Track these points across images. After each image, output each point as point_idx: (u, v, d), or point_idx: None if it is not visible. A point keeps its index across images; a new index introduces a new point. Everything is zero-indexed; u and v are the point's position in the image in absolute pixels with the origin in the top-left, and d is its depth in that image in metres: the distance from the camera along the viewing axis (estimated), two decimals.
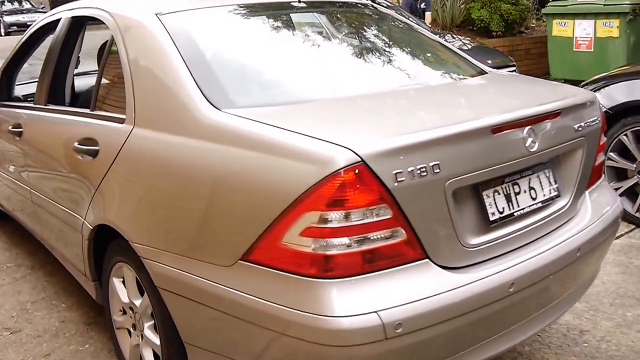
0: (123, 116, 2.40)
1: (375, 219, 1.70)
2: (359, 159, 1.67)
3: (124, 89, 2.43)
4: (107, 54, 2.74)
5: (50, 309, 3.41)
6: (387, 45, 2.88)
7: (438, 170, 1.77)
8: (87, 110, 2.73)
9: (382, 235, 1.72)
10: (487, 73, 2.77)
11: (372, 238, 1.70)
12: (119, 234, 2.37)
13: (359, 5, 3.18)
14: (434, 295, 1.75)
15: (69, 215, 2.84)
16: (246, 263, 1.82)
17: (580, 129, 2.26)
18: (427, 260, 1.80)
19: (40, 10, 19.29)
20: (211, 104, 2.06)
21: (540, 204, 2.13)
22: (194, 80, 2.14)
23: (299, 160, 1.72)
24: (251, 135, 1.88)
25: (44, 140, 3.19)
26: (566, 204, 2.25)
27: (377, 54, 2.76)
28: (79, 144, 2.61)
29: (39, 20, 3.65)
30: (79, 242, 2.75)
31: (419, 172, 1.74)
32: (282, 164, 1.74)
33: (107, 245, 2.59)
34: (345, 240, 1.68)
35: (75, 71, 3.28)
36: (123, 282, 2.55)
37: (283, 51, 2.59)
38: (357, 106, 2.18)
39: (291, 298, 1.72)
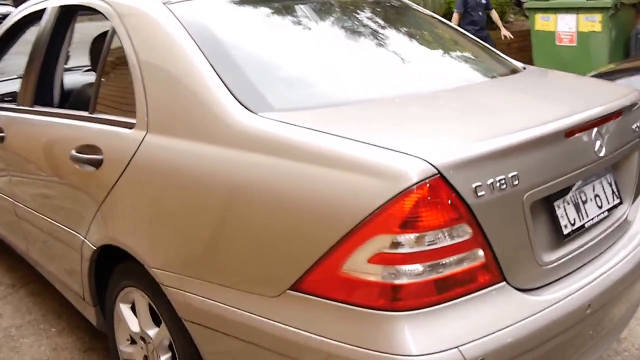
0: (132, 120, 2.11)
1: (454, 240, 1.48)
2: (436, 171, 1.44)
3: (131, 88, 2.15)
4: (107, 48, 2.43)
5: (39, 335, 3.10)
6: (422, 41, 2.64)
7: (517, 182, 1.57)
8: (85, 113, 2.43)
9: (460, 259, 1.50)
10: (524, 69, 2.57)
11: (448, 262, 1.48)
12: (127, 256, 2.09)
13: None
14: (515, 323, 1.54)
15: (65, 232, 2.54)
16: (297, 293, 1.58)
17: (637, 129, 2.09)
18: (504, 283, 1.58)
19: (3, 2, 18.29)
20: (245, 106, 1.80)
21: (606, 213, 1.94)
22: (220, 79, 1.87)
23: (365, 174, 1.48)
24: (303, 145, 1.63)
25: (31, 147, 2.86)
26: (626, 211, 2.07)
27: (415, 50, 2.53)
28: (77, 152, 2.32)
29: (19, 10, 3.31)
30: (77, 262, 2.46)
31: (498, 184, 1.53)
32: (343, 178, 1.50)
33: (110, 266, 2.31)
34: (418, 266, 1.46)
35: (65, 67, 2.97)
36: (132, 308, 2.28)
37: (315, 46, 2.33)
38: (410, 108, 1.95)
39: (354, 334, 1.48)
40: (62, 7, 2.81)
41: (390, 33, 2.59)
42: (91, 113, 2.41)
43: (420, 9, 2.94)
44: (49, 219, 2.70)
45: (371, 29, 2.51)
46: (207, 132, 1.83)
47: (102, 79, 2.49)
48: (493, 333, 1.49)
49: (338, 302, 1.50)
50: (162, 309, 2.02)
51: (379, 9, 2.77)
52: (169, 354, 2.10)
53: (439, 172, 1.44)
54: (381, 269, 1.45)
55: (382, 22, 2.64)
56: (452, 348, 1.43)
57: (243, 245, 1.70)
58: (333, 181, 1.51)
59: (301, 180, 1.57)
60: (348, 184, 1.49)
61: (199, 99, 1.88)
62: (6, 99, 3.50)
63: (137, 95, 2.11)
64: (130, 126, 2.12)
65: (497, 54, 2.68)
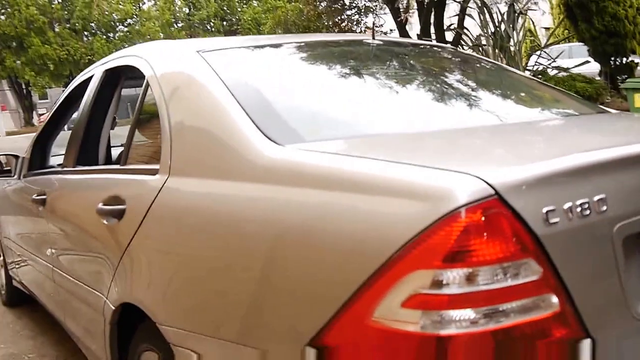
0: (156, 167, 1.89)
1: (516, 280, 1.10)
2: (492, 191, 1.10)
3: (159, 137, 1.94)
4: (140, 102, 2.27)
5: None
6: (478, 84, 2.34)
7: (604, 208, 1.19)
8: (115, 167, 2.25)
9: (525, 306, 1.11)
10: (604, 112, 2.21)
11: (509, 310, 1.10)
12: (146, 315, 1.81)
13: (438, 47, 2.69)
14: None
15: (90, 293, 2.30)
16: (315, 350, 1.23)
17: None
18: (588, 340, 1.17)
19: None
20: (269, 138, 1.54)
21: None
22: (245, 112, 1.63)
23: (400, 196, 1.16)
24: (323, 170, 1.35)
25: (66, 206, 2.69)
26: None
27: (467, 91, 2.23)
28: (103, 205, 2.11)
29: (73, 82, 3.26)
30: (101, 326, 2.20)
31: (579, 210, 1.15)
32: (372, 204, 1.19)
33: (133, 331, 2.03)
34: (470, 313, 1.09)
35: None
36: None
37: (351, 86, 2.07)
38: (464, 139, 1.63)
39: None
40: (107, 70, 2.71)
41: (435, 75, 2.32)
42: (122, 166, 2.22)
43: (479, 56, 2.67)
44: (78, 281, 2.48)
45: (415, 72, 2.24)
46: (229, 168, 1.57)
47: (134, 132, 2.31)
48: None
49: None
50: None
51: (423, 53, 2.52)
52: None
53: (496, 192, 1.10)
54: (420, 315, 1.09)
55: (424, 64, 2.37)
56: None
57: (256, 293, 1.38)
58: (362, 208, 1.20)
59: (324, 210, 1.27)
60: (379, 211, 1.17)
61: (222, 132, 1.65)
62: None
63: (162, 140, 1.90)
64: (153, 172, 1.89)
65: (578, 97, 2.33)
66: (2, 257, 4.46)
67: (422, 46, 2.64)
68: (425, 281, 1.08)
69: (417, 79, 2.24)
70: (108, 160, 2.81)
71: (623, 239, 1.22)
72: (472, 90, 2.25)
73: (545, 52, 7.78)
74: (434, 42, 2.63)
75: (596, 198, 1.18)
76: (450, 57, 2.63)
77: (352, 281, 1.16)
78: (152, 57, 2.23)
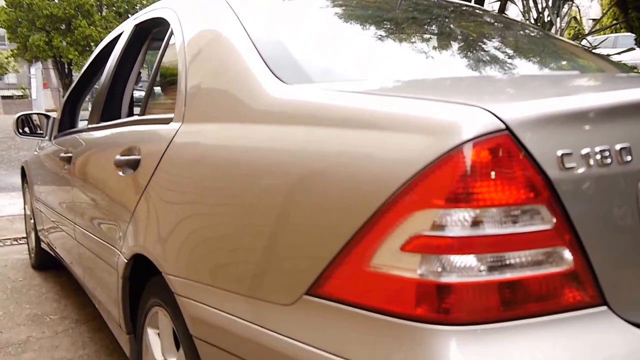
0: (171, 115, 1.85)
1: (525, 228, 1.01)
2: (503, 126, 1.00)
3: (176, 84, 1.90)
4: (162, 52, 2.23)
5: None
6: (514, 42, 2.23)
7: (629, 158, 1.07)
8: (134, 118, 2.22)
9: (535, 258, 1.02)
10: None
11: (517, 261, 1.02)
12: (156, 269, 1.77)
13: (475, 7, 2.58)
14: None
15: (106, 248, 2.28)
16: (314, 299, 1.17)
17: None
18: (604, 307, 1.07)
19: None
20: (279, 78, 1.47)
21: None
22: (258, 54, 1.56)
23: (402, 131, 1.07)
24: (324, 106, 1.28)
25: (88, 162, 2.67)
26: None
27: (495, 45, 2.13)
28: (120, 156, 2.08)
29: (104, 39, 3.24)
30: (115, 282, 2.18)
31: (599, 157, 1.05)
32: (375, 140, 1.10)
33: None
34: (473, 260, 1.01)
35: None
36: (159, 334, 1.94)
37: (373, 35, 1.98)
38: (473, 82, 1.54)
39: (383, 354, 1.04)
40: (136, 26, 2.66)
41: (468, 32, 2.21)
42: (140, 117, 2.19)
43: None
44: (95, 237, 2.47)
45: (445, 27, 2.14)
46: (239, 110, 1.51)
47: (154, 83, 2.28)
48: None
49: (364, 309, 1.08)
50: (180, 330, 1.67)
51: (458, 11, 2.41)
52: None
53: (508, 127, 1.00)
54: (419, 260, 1.01)
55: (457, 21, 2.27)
56: None
57: (256, 236, 1.32)
58: (364, 145, 1.12)
59: (324, 149, 1.19)
60: (381, 148, 1.08)
61: (234, 74, 1.58)
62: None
63: (179, 89, 1.85)
64: (167, 121, 1.85)
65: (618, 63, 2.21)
66: (32, 221, 4.50)
67: (449, 3, 2.52)
68: (427, 222, 1.00)
69: (440, 30, 2.14)
70: (131, 115, 2.79)
71: None
72: (501, 45, 2.15)
73: (587, 40, 7.49)
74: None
75: (619, 147, 1.06)
76: (477, 15, 2.51)
77: (350, 225, 1.09)
78: (180, 6, 2.17)
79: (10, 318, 3.55)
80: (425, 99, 1.12)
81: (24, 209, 4.97)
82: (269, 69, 1.50)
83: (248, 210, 1.35)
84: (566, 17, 8.36)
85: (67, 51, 29.69)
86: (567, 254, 1.04)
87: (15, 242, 5.62)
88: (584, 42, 6.96)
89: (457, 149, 0.99)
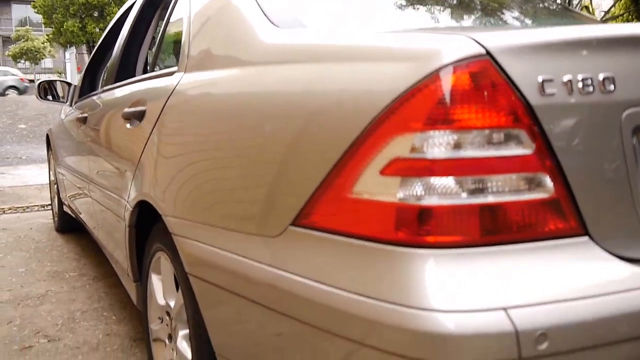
0: (175, 68, 1.82)
1: (504, 151, 0.97)
2: (484, 52, 0.96)
3: (181, 41, 1.86)
4: (170, 11, 2.19)
5: (99, 320, 2.83)
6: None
7: (612, 88, 1.02)
8: (143, 75, 2.19)
9: (515, 183, 0.98)
10: None
11: (497, 185, 0.97)
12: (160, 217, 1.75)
13: None
14: (605, 295, 0.97)
15: (114, 200, 2.26)
16: (299, 229, 1.13)
17: None
18: (586, 238, 1.03)
19: None
20: (272, 23, 1.43)
21: None
22: (256, 1, 1.52)
23: (386, 60, 1.03)
24: (318, 47, 1.23)
25: (100, 119, 2.66)
26: None
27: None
28: (127, 109, 2.05)
29: (123, 6, 3.21)
30: (123, 231, 2.16)
31: (581, 84, 1.00)
32: (354, 72, 1.06)
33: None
34: (453, 183, 0.96)
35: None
36: (162, 279, 1.91)
37: None
38: (469, 21, 1.49)
39: (365, 279, 1.00)
40: None
41: None
42: (148, 73, 2.16)
43: None
44: (105, 190, 2.46)
45: None
46: (235, 55, 1.48)
47: (162, 40, 2.24)
48: (565, 301, 0.95)
49: (348, 236, 1.04)
50: (179, 271, 1.64)
51: None
52: (187, 330, 1.70)
53: (488, 52, 0.95)
54: (399, 184, 0.97)
55: None
56: (498, 309, 0.91)
57: (244, 171, 1.29)
58: (348, 76, 1.08)
59: (308, 84, 1.16)
60: (358, 80, 1.05)
61: (233, 22, 1.54)
62: None
63: (183, 41, 1.82)
64: (171, 73, 1.82)
65: None
66: (56, 186, 4.52)
67: None
68: (406, 146, 0.96)
69: None
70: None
71: (633, 128, 1.05)
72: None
73: None
74: None
75: (602, 76, 1.01)
76: None
77: (333, 154, 1.05)
78: None
79: (31, 274, 3.57)
80: (409, 31, 1.08)
81: (49, 175, 5.00)
82: (264, 14, 1.45)
83: (238, 148, 1.32)
84: (577, 7, 8.19)
85: (100, 37, 29.87)
86: (548, 181, 0.99)
87: (42, 209, 5.68)
88: None
89: (436, 72, 0.94)
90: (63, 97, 3.94)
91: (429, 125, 0.95)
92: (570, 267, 0.99)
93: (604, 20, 7.40)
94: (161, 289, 1.90)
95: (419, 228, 0.96)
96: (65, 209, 4.18)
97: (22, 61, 40.85)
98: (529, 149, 0.97)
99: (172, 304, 1.78)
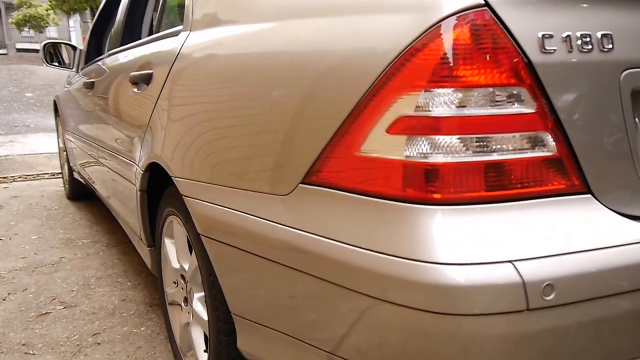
0: (180, 27, 1.83)
1: (506, 110, 0.98)
2: (482, 2, 0.97)
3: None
4: None
5: (114, 287, 2.89)
6: None
7: (610, 47, 1.03)
8: (148, 38, 2.20)
9: (518, 142, 1.00)
10: None
11: (501, 143, 0.99)
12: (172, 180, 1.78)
13: None
14: (608, 247, 1.00)
15: (125, 164, 2.30)
16: (309, 187, 1.16)
17: None
18: (588, 195, 1.05)
19: None
20: None
21: None
22: None
23: (385, 11, 1.04)
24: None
25: (108, 83, 2.67)
26: None
27: None
28: (134, 72, 2.07)
29: None
30: (134, 196, 2.20)
31: (580, 42, 1.01)
32: (359, 24, 1.07)
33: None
34: (457, 141, 0.98)
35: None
36: (175, 243, 1.96)
37: None
38: None
39: (374, 234, 1.03)
40: None
41: None
42: (154, 34, 2.17)
43: None
44: (115, 155, 2.49)
45: None
46: (237, 12, 1.48)
47: (166, 2, 2.25)
48: (571, 254, 0.98)
49: (357, 193, 1.07)
50: (192, 234, 1.68)
51: None
52: (202, 293, 1.75)
53: (488, 3, 0.96)
54: (405, 141, 0.99)
55: None
56: (504, 261, 0.94)
57: (255, 132, 1.30)
58: (345, 36, 1.09)
59: (312, 41, 1.16)
60: (360, 35, 1.05)
61: None
62: None
63: (187, 1, 1.82)
64: (177, 33, 1.83)
65: None
66: (65, 153, 4.56)
67: None
68: (410, 104, 0.98)
69: None
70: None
71: (632, 90, 1.07)
72: None
73: None
74: None
75: (600, 34, 1.03)
76: None
77: (340, 113, 1.07)
78: None
79: (44, 242, 3.64)
80: None
81: (58, 142, 5.05)
82: None
83: (247, 107, 1.33)
84: None
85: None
86: (550, 140, 1.02)
87: (52, 177, 5.75)
88: None
89: (437, 26, 0.95)
90: (69, 63, 3.95)
91: (432, 83, 0.96)
92: (574, 222, 1.02)
93: None
94: (175, 253, 1.94)
95: (426, 185, 0.99)
96: (76, 176, 4.23)
97: (26, 29, 40.68)
98: (531, 108, 0.99)
99: (186, 267, 1.83)
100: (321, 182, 1.13)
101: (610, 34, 1.03)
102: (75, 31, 31.32)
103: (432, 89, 0.96)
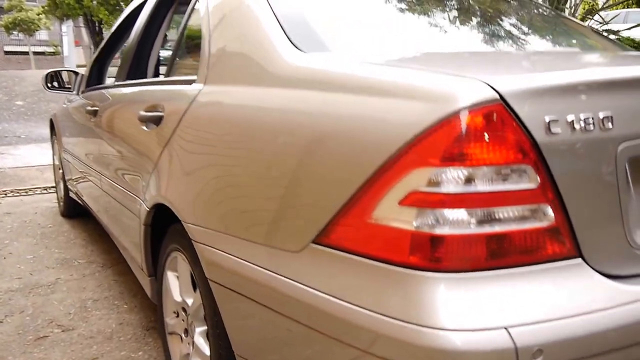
0: (194, 77, 1.91)
1: (512, 186, 1.08)
2: (497, 96, 1.06)
3: (199, 50, 1.95)
4: (187, 16, 2.28)
5: (111, 309, 2.95)
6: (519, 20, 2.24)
7: (610, 126, 1.14)
8: (159, 79, 2.28)
9: (521, 214, 1.09)
10: None
11: (504, 216, 1.09)
12: (177, 217, 1.86)
13: None
14: (593, 312, 1.10)
15: (129, 197, 2.37)
16: (320, 247, 1.24)
17: None
18: (579, 260, 1.15)
19: None
20: (296, 47, 1.52)
21: None
22: (278, 22, 1.61)
23: (407, 98, 1.13)
24: (341, 75, 1.32)
25: (113, 116, 2.75)
26: None
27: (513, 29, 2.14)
28: (144, 112, 2.15)
29: (133, 2, 3.28)
30: (137, 228, 2.27)
31: (583, 123, 1.11)
32: (379, 106, 1.16)
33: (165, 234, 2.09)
34: (464, 214, 1.07)
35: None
36: (178, 277, 2.03)
37: (394, 13, 1.99)
38: (475, 56, 1.59)
39: (380, 298, 1.11)
40: None
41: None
42: (165, 77, 2.25)
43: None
44: (119, 186, 2.56)
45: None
46: (258, 75, 1.56)
47: (179, 46, 2.33)
48: (558, 320, 1.07)
49: (365, 257, 1.15)
50: (197, 273, 1.76)
51: None
52: (204, 327, 1.83)
53: (501, 96, 1.06)
54: (415, 213, 1.08)
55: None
56: (499, 328, 1.03)
57: (269, 190, 1.38)
58: (370, 110, 1.17)
59: (331, 112, 1.25)
60: (383, 113, 1.14)
61: (254, 41, 1.63)
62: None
63: (202, 52, 1.91)
64: (190, 82, 1.91)
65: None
66: (61, 171, 4.62)
67: None
68: (423, 179, 1.07)
69: (458, 5, 2.15)
70: (157, 75, 2.85)
71: (628, 160, 1.17)
72: (513, 21, 2.17)
73: (599, 15, 7.40)
74: None
75: (602, 115, 1.13)
76: None
77: (355, 180, 1.16)
78: None
79: (40, 261, 3.68)
80: (429, 70, 1.18)
81: (53, 159, 5.09)
82: (288, 37, 1.55)
83: (264, 165, 1.42)
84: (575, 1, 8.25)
85: (98, 10, 29.58)
86: (549, 211, 1.11)
87: (45, 191, 5.77)
88: (596, 17, 6.89)
89: (454, 114, 1.05)
90: (69, 85, 4.03)
91: (445, 162, 1.05)
92: (564, 287, 1.12)
93: (603, 8, 7.44)
94: (177, 286, 2.01)
95: (431, 254, 1.07)
96: (72, 195, 4.28)
97: (15, 33, 40.54)
98: (534, 183, 1.09)
99: (189, 302, 1.90)
100: (331, 244, 1.22)
101: (610, 115, 1.14)
102: (68, 36, 31.23)
103: (444, 167, 1.06)
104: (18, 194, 5.65)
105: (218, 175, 1.60)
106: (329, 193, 1.22)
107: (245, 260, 1.43)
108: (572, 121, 1.10)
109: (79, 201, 4.07)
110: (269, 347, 1.43)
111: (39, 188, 5.87)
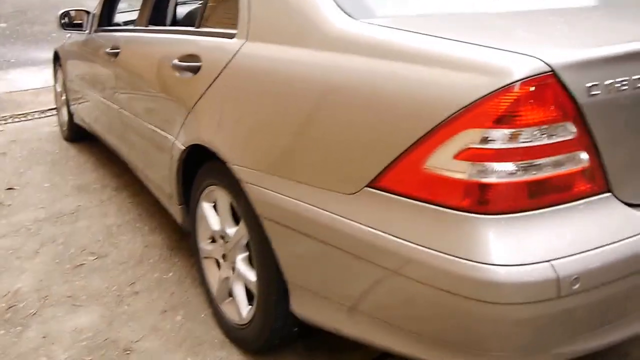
0: (234, 31, 1.94)
1: (553, 139, 1.23)
2: (548, 69, 1.19)
3: (235, 3, 1.97)
4: None
5: (135, 233, 3.08)
6: None
7: None
8: (191, 29, 2.31)
9: (559, 161, 1.24)
10: None
11: (545, 164, 1.23)
12: (212, 156, 1.95)
13: None
14: (620, 240, 1.27)
15: (159, 134, 2.45)
16: (375, 190, 1.37)
17: None
18: (609, 194, 1.32)
19: None
20: (344, 12, 1.58)
21: None
22: None
23: (466, 70, 1.23)
24: (398, 44, 1.40)
25: (140, 60, 2.77)
26: None
27: None
28: (179, 61, 2.19)
29: None
30: (168, 163, 2.36)
31: (619, 85, 1.26)
32: (439, 76, 1.26)
33: (196, 167, 2.19)
34: (511, 165, 1.21)
35: None
36: (214, 207, 2.15)
37: None
38: (529, 20, 1.68)
39: (434, 237, 1.26)
40: None
41: None
42: (197, 28, 2.27)
43: None
44: (147, 124, 2.63)
45: None
46: (306, 37, 1.61)
47: None
48: (592, 250, 1.22)
49: (419, 200, 1.29)
50: (242, 208, 1.88)
51: None
52: (246, 253, 1.97)
53: (553, 70, 1.19)
54: (468, 166, 1.21)
55: None
56: (544, 261, 1.18)
57: (325, 140, 1.49)
58: (428, 78, 1.28)
59: (393, 78, 1.34)
60: (444, 81, 1.25)
61: (300, 4, 1.67)
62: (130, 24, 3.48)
63: (240, 6, 1.93)
64: (231, 36, 1.95)
65: None
66: (64, 97, 4.62)
67: None
68: (476, 137, 1.20)
69: None
70: (174, 21, 2.87)
71: None
72: None
73: None
74: None
75: (635, 77, 1.28)
76: None
77: (412, 134, 1.28)
78: None
79: (57, 189, 3.76)
80: (488, 46, 1.27)
81: (54, 87, 5.06)
82: (336, 2, 1.60)
83: (317, 120, 1.51)
84: None
85: None
86: (585, 156, 1.27)
87: (42, 115, 5.74)
88: None
89: (509, 85, 1.18)
90: (76, 22, 4.03)
91: (496, 124, 1.19)
92: (597, 220, 1.29)
93: None
94: (214, 216, 2.13)
95: (482, 198, 1.21)
96: (77, 121, 4.33)
97: None
98: (572, 135, 1.24)
99: (229, 231, 2.03)
100: (386, 188, 1.34)
101: None
102: None
103: (496, 128, 1.19)
104: (18, 120, 5.63)
105: (268, 125, 1.68)
106: (386, 143, 1.33)
107: (300, 200, 1.55)
108: (610, 84, 1.25)
109: (85, 127, 4.13)
110: (320, 274, 1.58)
111: (36, 112, 5.85)
